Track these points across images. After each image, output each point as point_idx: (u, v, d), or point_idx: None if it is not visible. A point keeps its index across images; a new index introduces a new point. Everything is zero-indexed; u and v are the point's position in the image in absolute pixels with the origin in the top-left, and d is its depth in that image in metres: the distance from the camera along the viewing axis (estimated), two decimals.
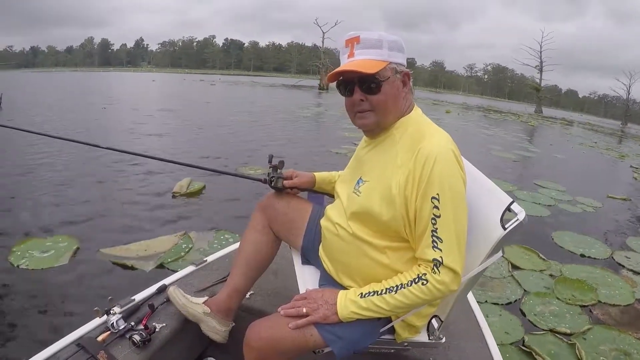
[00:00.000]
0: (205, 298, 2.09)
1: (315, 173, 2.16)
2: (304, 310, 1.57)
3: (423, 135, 1.54)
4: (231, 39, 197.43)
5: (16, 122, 13.02)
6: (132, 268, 4.25)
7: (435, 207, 1.43)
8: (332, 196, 2.11)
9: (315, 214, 2.04)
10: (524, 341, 3.38)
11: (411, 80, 1.64)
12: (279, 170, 2.10)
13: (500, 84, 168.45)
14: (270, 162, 2.12)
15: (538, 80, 64.18)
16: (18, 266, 4.21)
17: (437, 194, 1.42)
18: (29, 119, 14.22)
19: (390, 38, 1.56)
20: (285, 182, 2.08)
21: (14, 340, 3.20)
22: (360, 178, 1.69)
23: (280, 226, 2.07)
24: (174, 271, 4.00)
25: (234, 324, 2.07)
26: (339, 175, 2.07)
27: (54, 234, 4.95)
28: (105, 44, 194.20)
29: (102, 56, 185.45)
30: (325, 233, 1.81)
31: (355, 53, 1.55)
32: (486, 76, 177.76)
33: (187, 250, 4.62)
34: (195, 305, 2.04)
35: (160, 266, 4.30)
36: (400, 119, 1.62)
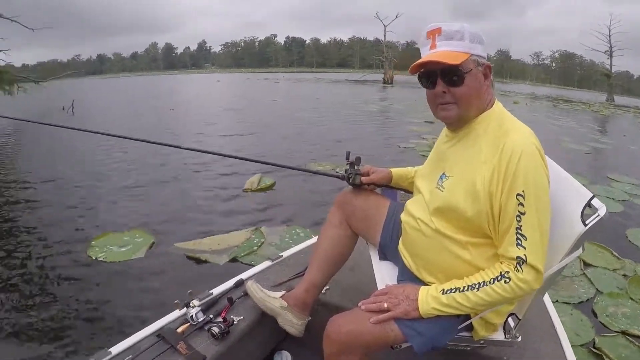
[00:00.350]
0: (283, 292, 2.13)
1: (391, 169, 2.16)
2: (385, 305, 1.60)
3: (507, 130, 1.52)
4: (292, 37, 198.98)
5: (89, 127, 13.49)
6: (205, 262, 4.42)
7: (520, 204, 1.42)
8: (407, 192, 2.15)
9: (393, 210, 2.05)
10: (594, 343, 3.27)
11: (492, 73, 1.62)
12: (356, 167, 2.12)
13: (568, 71, 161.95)
14: (347, 158, 2.13)
15: (608, 67, 61.17)
16: (96, 259, 4.49)
17: (523, 191, 1.42)
18: (100, 123, 14.94)
19: (472, 29, 1.54)
20: (362, 178, 2.10)
21: (95, 330, 3.42)
22: (443, 173, 1.68)
23: (358, 222, 2.09)
24: (247, 265, 4.20)
25: (310, 318, 2.09)
26: (415, 171, 2.08)
27: (131, 229, 5.24)
28: (169, 48, 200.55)
29: (166, 60, 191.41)
30: (407, 228, 1.81)
31: (437, 45, 1.53)
32: (554, 64, 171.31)
33: (259, 244, 4.74)
34: (272, 299, 2.08)
35: (234, 260, 4.44)
36: (482, 112, 1.61)
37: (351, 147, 10.08)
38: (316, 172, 2.66)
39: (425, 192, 1.76)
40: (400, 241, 1.90)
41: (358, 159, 2.14)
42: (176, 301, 2.08)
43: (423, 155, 9.53)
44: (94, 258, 4.49)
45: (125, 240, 4.90)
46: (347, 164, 2.14)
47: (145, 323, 2.04)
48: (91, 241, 4.88)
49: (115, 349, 1.84)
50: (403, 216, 1.87)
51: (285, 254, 2.82)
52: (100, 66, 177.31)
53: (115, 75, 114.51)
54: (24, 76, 21.60)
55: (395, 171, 2.15)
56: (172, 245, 4.79)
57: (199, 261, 4.44)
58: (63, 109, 19.75)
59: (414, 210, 1.77)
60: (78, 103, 20.58)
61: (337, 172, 2.32)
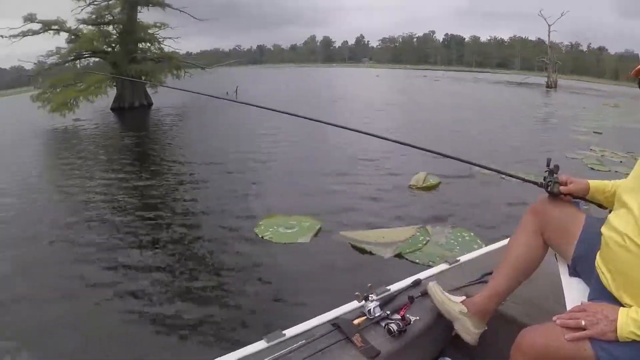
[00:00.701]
0: (463, 297, 2.08)
1: (589, 181, 2.03)
2: (583, 322, 1.51)
3: None
4: (451, 34, 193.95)
5: (252, 112, 14.49)
6: (370, 253, 4.54)
7: None
8: (600, 206, 2.03)
9: (590, 223, 1.92)
10: None
11: None
12: (554, 175, 2.01)
13: None
14: (548, 165, 2.04)
15: None
16: (262, 237, 4.87)
17: None
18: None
19: None
20: (561, 187, 2.00)
21: (262, 308, 3.69)
22: None
23: (552, 233, 2.00)
24: (412, 262, 4.27)
25: (486, 327, 2.00)
26: (612, 185, 1.97)
27: (297, 214, 5.55)
28: (327, 41, 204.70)
29: (324, 53, 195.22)
30: (610, 243, 1.69)
31: None
32: None
33: (424, 242, 4.72)
34: (453, 304, 2.04)
35: (398, 255, 4.48)
36: None
37: (518, 153, 9.87)
38: (513, 176, 2.52)
39: (635, 207, 1.63)
40: (598, 256, 1.78)
41: (556, 167, 2.02)
42: (357, 293, 2.07)
43: (592, 168, 8.87)
44: (260, 236, 4.86)
45: (292, 224, 5.21)
46: (546, 171, 2.03)
47: (314, 309, 2.07)
48: (258, 221, 5.28)
49: (289, 332, 1.86)
50: (605, 230, 1.73)
51: (463, 258, 2.75)
52: (260, 56, 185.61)
53: (274, 66, 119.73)
54: (191, 62, 23.35)
55: (593, 183, 2.03)
56: (337, 233, 4.99)
57: (363, 251, 4.57)
58: (227, 93, 21.10)
59: (620, 225, 1.65)
60: (241, 89, 21.75)
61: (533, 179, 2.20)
